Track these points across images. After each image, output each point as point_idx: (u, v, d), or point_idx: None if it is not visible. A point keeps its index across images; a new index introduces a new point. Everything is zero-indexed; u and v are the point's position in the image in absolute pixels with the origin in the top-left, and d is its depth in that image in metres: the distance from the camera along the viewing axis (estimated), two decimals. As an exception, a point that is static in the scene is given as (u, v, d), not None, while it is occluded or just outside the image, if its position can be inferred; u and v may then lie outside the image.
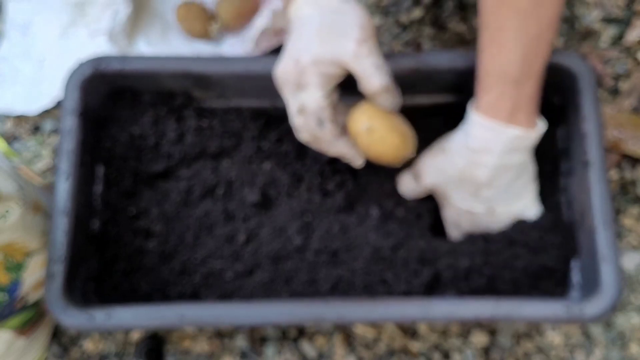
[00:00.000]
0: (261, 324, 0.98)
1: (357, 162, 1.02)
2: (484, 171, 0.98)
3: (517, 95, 0.95)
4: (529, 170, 1.03)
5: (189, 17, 1.30)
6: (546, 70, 1.02)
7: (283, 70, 0.96)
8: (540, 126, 0.98)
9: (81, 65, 1.06)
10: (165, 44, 1.33)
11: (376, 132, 0.97)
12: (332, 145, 0.99)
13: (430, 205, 1.09)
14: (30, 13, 1.36)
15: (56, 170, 1.02)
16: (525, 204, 1.04)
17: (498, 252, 1.04)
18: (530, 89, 0.95)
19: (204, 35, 1.31)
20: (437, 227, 1.09)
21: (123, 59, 1.07)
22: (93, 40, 1.31)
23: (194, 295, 1.04)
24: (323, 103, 0.95)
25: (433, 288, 1.03)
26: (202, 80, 1.07)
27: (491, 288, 1.03)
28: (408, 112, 1.03)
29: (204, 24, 1.30)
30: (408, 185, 1.08)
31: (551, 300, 0.97)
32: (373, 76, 0.94)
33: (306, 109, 0.96)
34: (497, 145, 0.96)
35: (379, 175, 1.09)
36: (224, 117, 1.10)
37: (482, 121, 0.96)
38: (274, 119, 1.08)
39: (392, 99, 0.97)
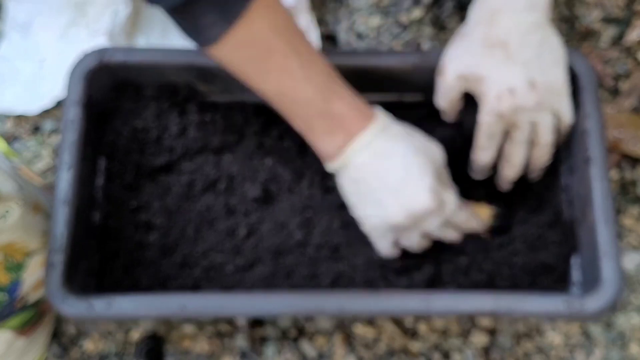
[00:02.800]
0: (262, 314, 0.98)
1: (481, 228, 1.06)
2: (506, 27, 0.98)
3: None
4: (555, 42, 1.02)
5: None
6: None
7: (428, 204, 0.95)
8: None
9: (85, 57, 1.06)
10: (166, 44, 1.33)
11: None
12: (472, 218, 1.03)
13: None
14: (30, 13, 1.36)
15: (58, 160, 1.02)
16: (561, 83, 1.02)
17: (498, 249, 1.04)
18: None
19: None
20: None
21: (127, 50, 1.08)
22: (93, 41, 1.31)
23: (194, 289, 1.04)
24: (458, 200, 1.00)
25: (434, 284, 1.03)
26: (205, 74, 1.07)
27: (491, 284, 1.03)
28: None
29: None
30: (439, 94, 1.06)
31: (552, 295, 0.97)
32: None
33: (451, 212, 0.98)
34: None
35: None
36: (226, 111, 1.10)
37: None
38: (277, 114, 1.08)
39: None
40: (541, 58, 0.99)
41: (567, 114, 1.03)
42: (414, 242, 1.00)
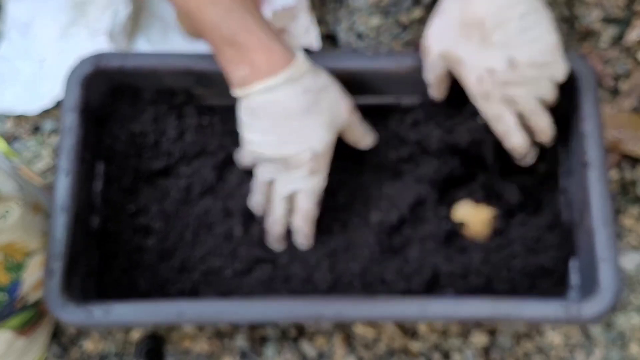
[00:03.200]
0: (260, 321, 0.99)
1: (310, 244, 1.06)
2: (483, 4, 0.96)
3: None
4: (539, 9, 0.99)
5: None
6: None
7: (299, 160, 0.99)
8: None
9: (82, 62, 1.06)
10: (166, 44, 1.32)
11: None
12: (311, 224, 1.04)
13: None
14: (31, 13, 1.36)
15: (56, 166, 1.02)
16: (549, 52, 1.00)
17: (497, 252, 1.04)
18: None
19: None
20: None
21: (124, 56, 1.08)
22: (93, 40, 1.31)
23: (192, 293, 1.04)
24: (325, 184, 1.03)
25: (432, 287, 1.03)
26: (202, 78, 1.07)
27: (490, 288, 1.03)
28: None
29: None
30: (425, 70, 1.06)
31: (549, 301, 0.97)
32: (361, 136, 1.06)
33: (309, 191, 1.01)
34: None
35: (380, 175, 1.09)
36: (224, 115, 1.10)
37: None
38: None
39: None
40: (524, 32, 0.97)
41: (561, 74, 1.01)
42: (275, 202, 1.02)
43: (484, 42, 0.97)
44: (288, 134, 0.98)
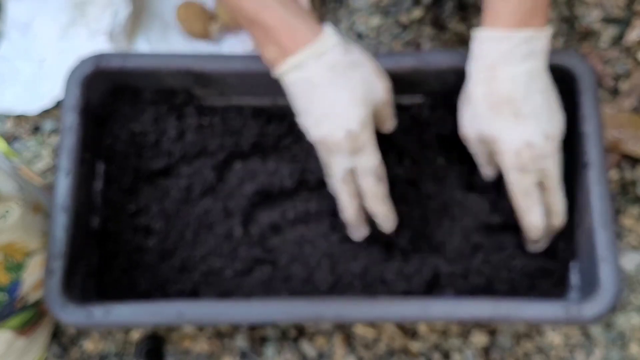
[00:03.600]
0: (260, 322, 0.99)
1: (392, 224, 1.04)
2: (507, 81, 0.96)
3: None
4: (550, 83, 1.00)
5: (189, 18, 1.30)
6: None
7: (334, 137, 0.96)
8: (549, 27, 0.98)
9: (82, 62, 1.06)
10: (165, 44, 1.32)
11: None
12: (384, 203, 1.00)
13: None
14: (31, 12, 1.36)
15: (56, 166, 1.02)
16: (563, 128, 1.01)
17: (497, 252, 1.04)
18: None
19: (204, 35, 1.31)
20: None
21: (124, 56, 1.08)
22: (93, 40, 1.31)
23: (193, 293, 1.04)
24: (379, 161, 0.98)
25: (432, 287, 1.03)
26: (202, 78, 1.07)
27: (490, 288, 1.03)
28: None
29: (204, 24, 1.30)
30: (474, 157, 1.06)
31: (550, 301, 0.97)
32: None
33: (363, 170, 0.97)
34: (513, 50, 0.96)
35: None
36: (224, 115, 1.10)
37: (492, 33, 0.96)
38: (275, 117, 1.08)
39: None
40: (548, 106, 0.99)
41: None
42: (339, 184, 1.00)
43: (517, 117, 0.97)
44: (321, 113, 0.96)
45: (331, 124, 0.95)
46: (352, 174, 0.99)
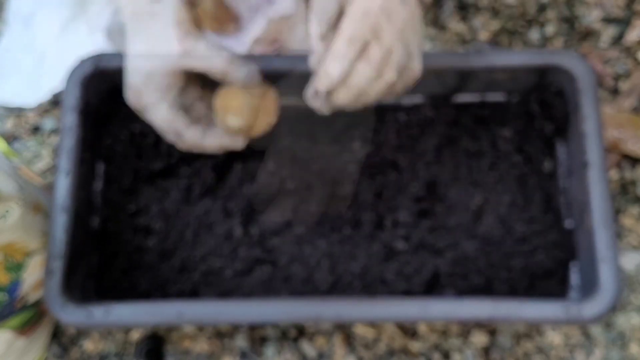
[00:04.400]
0: (260, 322, 0.99)
1: (237, 146, 0.97)
2: None
3: None
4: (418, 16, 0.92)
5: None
6: (546, 71, 1.03)
7: (129, 100, 0.92)
8: None
9: (82, 62, 1.06)
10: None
11: (235, 125, 0.94)
12: (204, 147, 0.95)
13: (426, 207, 1.09)
14: (33, 5, 1.36)
15: (56, 167, 1.02)
16: (418, 43, 0.92)
17: (497, 252, 1.04)
18: None
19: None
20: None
21: (124, 56, 1.08)
22: (92, 37, 1.31)
23: (193, 293, 1.04)
24: (170, 116, 0.92)
25: (432, 287, 1.03)
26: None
27: (490, 288, 1.03)
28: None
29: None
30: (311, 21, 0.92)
31: (550, 301, 0.96)
32: (211, 61, 0.91)
33: (161, 127, 0.93)
34: None
35: (375, 179, 1.09)
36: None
37: None
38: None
39: (241, 71, 0.92)
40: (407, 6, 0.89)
41: (417, 60, 0.91)
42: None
43: None
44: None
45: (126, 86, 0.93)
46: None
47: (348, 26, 0.86)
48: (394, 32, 0.87)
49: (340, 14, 0.89)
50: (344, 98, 0.90)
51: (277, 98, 0.96)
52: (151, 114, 0.92)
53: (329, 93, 0.90)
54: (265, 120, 0.95)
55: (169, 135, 0.93)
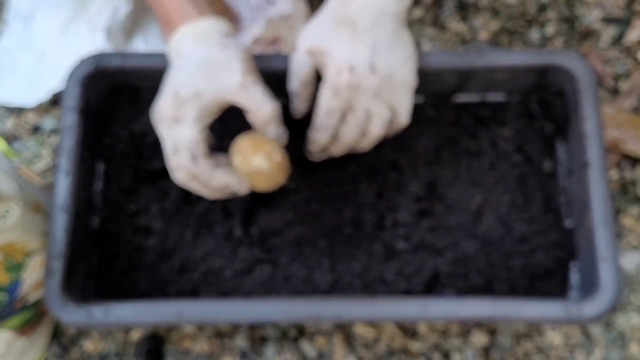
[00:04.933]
0: (259, 321, 0.98)
1: (242, 190, 0.99)
2: (358, 7, 0.95)
3: None
4: (408, 40, 0.99)
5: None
6: (546, 71, 1.03)
7: (161, 107, 0.94)
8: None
9: (82, 62, 1.06)
10: (163, 45, 1.32)
11: (266, 168, 0.96)
12: (209, 179, 0.96)
13: (426, 206, 1.09)
14: (33, 5, 1.36)
15: (56, 167, 1.02)
16: (405, 83, 0.99)
17: (497, 252, 1.04)
18: None
19: None
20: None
21: (124, 56, 1.07)
22: (92, 36, 1.31)
23: (193, 293, 1.04)
24: (197, 137, 0.94)
25: (432, 287, 1.03)
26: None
27: (490, 288, 1.03)
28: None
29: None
30: (290, 71, 1.03)
31: (550, 301, 0.96)
32: (263, 104, 0.94)
33: (180, 144, 0.94)
34: None
35: (375, 179, 1.09)
36: (224, 114, 1.10)
37: None
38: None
39: (280, 129, 0.97)
40: (391, 49, 0.96)
41: (403, 113, 1.00)
42: (171, 158, 0.96)
43: (353, 40, 0.96)
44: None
45: (168, 92, 0.95)
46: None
47: (323, 103, 0.98)
48: (367, 101, 0.97)
49: (314, 74, 1.00)
50: (337, 152, 1.03)
51: (289, 164, 1.00)
52: (177, 130, 0.94)
53: (324, 149, 1.03)
54: (279, 177, 0.98)
55: (181, 157, 0.94)
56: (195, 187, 0.97)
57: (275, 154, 0.96)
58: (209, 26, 0.97)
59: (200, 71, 0.94)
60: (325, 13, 0.99)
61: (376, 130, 0.99)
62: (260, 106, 0.94)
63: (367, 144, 1.01)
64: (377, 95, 0.97)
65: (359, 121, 0.98)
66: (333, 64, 0.96)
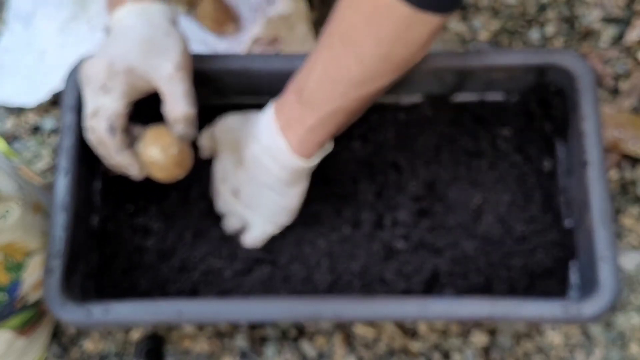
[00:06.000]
0: (259, 321, 0.99)
1: (137, 175, 0.99)
2: (262, 171, 0.99)
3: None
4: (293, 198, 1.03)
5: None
6: (546, 70, 1.03)
7: (92, 70, 0.95)
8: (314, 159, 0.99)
9: (81, 62, 1.06)
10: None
11: (160, 160, 0.98)
12: (116, 154, 0.96)
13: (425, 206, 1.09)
14: (33, 5, 1.36)
15: (56, 166, 1.02)
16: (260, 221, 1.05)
17: (496, 251, 1.04)
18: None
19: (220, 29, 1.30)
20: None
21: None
22: (92, 36, 1.31)
23: (192, 293, 1.04)
24: (121, 111, 0.95)
25: (431, 286, 1.03)
26: (201, 77, 1.07)
27: (489, 287, 1.03)
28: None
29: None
30: (202, 138, 1.07)
31: (549, 300, 0.96)
32: (180, 102, 0.95)
33: (102, 112, 0.94)
34: (281, 168, 0.98)
35: (375, 179, 1.09)
36: (222, 114, 1.10)
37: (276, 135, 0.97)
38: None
39: (189, 130, 0.97)
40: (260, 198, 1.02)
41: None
42: (88, 120, 0.96)
43: (236, 167, 1.03)
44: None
45: (101, 59, 0.95)
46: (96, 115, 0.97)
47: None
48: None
49: None
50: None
51: (193, 158, 1.02)
52: (103, 98, 0.94)
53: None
54: (174, 170, 1.00)
55: (99, 123, 0.94)
56: (100, 152, 0.97)
57: (172, 147, 0.97)
58: (160, 10, 0.98)
59: (138, 49, 0.94)
60: (248, 130, 1.02)
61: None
62: (176, 104, 0.95)
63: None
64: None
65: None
66: (220, 168, 1.06)
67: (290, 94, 0.96)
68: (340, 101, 0.93)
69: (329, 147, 1.00)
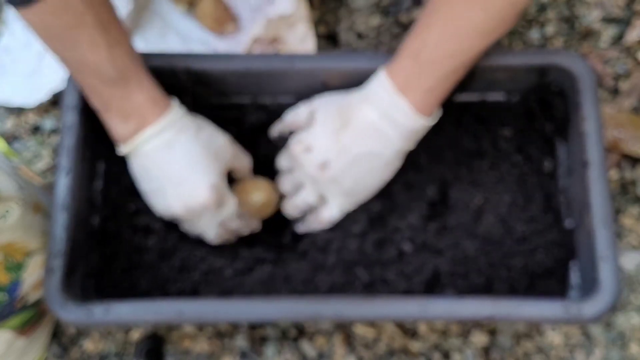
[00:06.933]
0: (259, 320, 0.98)
1: (258, 228, 1.09)
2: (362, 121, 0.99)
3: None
4: (383, 174, 1.04)
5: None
6: (546, 71, 1.03)
7: (201, 197, 0.98)
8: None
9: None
10: (163, 45, 1.32)
11: (261, 202, 1.07)
12: (247, 227, 1.06)
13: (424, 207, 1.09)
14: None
15: (56, 165, 1.01)
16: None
17: (497, 252, 1.04)
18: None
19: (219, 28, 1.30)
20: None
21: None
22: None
23: (193, 293, 1.04)
24: (236, 206, 1.03)
25: (432, 286, 1.03)
26: (202, 77, 1.07)
27: (490, 287, 1.03)
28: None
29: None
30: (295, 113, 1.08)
31: (549, 301, 0.96)
32: (245, 161, 1.08)
33: (228, 217, 1.02)
34: (399, 133, 0.99)
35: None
36: (223, 113, 1.10)
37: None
38: (275, 115, 1.08)
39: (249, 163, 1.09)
40: (359, 166, 1.01)
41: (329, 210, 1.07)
42: (211, 231, 1.03)
43: (336, 131, 1.00)
44: (179, 177, 1.00)
45: (193, 184, 0.98)
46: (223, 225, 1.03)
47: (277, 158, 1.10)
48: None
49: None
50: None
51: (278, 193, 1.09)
52: (222, 210, 1.02)
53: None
54: (273, 205, 1.09)
55: (230, 230, 1.05)
56: (227, 237, 1.06)
57: (265, 187, 1.08)
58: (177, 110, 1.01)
59: (206, 159, 1.00)
60: (347, 96, 1.03)
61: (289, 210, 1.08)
62: (245, 165, 1.08)
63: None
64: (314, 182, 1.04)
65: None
66: (303, 135, 1.02)
67: (403, 60, 0.96)
68: (461, 56, 0.95)
69: (439, 113, 1.01)
